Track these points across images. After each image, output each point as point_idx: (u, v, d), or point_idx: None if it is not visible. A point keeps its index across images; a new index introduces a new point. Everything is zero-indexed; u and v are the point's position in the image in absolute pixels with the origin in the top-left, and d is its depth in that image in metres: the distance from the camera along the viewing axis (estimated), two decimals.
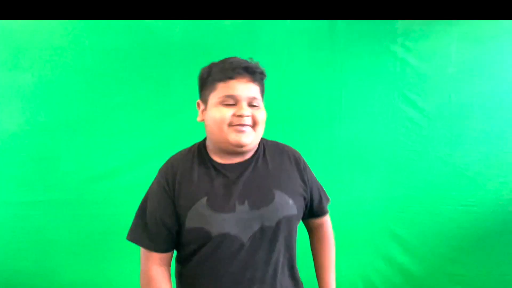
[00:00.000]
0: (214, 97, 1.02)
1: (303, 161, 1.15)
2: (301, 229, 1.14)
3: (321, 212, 1.19)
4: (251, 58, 1.06)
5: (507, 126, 2.19)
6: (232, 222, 0.95)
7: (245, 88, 1.00)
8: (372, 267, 2.32)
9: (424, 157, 2.21)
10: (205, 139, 1.13)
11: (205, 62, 2.09)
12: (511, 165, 2.22)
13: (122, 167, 2.16)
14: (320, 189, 1.19)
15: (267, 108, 2.14)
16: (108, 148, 2.15)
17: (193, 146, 1.12)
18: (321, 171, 2.21)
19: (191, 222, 0.97)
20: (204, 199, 0.97)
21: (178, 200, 1.00)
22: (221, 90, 1.01)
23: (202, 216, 0.96)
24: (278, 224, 0.99)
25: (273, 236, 0.99)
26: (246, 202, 0.98)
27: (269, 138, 2.14)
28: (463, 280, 2.33)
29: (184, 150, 1.11)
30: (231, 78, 1.00)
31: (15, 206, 2.18)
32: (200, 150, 1.08)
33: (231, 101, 1.00)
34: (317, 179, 1.21)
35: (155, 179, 1.08)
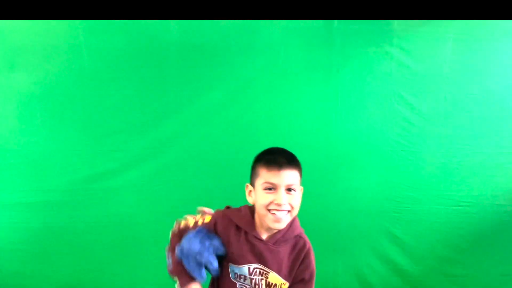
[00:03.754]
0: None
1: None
2: None
3: None
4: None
5: (502, 126, 2.20)
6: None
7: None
8: (368, 266, 2.33)
9: (419, 157, 2.22)
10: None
11: (202, 62, 2.12)
12: (507, 165, 2.23)
13: (118, 168, 2.16)
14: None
15: (264, 108, 2.16)
16: (104, 148, 2.14)
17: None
18: (317, 171, 2.24)
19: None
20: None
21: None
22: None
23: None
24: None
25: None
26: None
27: (267, 137, 2.16)
28: (459, 280, 2.35)
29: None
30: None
31: (11, 207, 2.18)
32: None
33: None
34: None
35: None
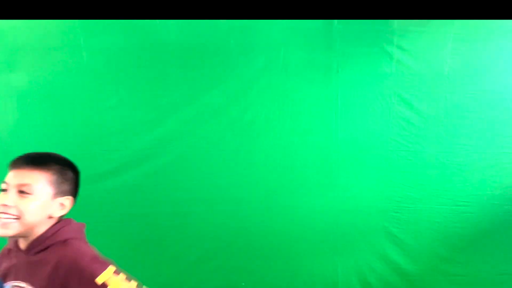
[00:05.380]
0: None
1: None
2: None
3: None
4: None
5: (502, 126, 2.19)
6: None
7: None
8: (368, 266, 2.32)
9: (419, 157, 2.22)
10: None
11: (201, 62, 2.12)
12: (506, 165, 2.23)
13: (118, 168, 2.15)
14: None
15: (264, 108, 2.15)
16: (104, 148, 2.14)
17: None
18: (317, 171, 2.24)
19: None
20: None
21: None
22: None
23: None
24: None
25: None
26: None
27: (267, 137, 2.16)
28: (458, 280, 2.34)
29: None
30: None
31: None
32: None
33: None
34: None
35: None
